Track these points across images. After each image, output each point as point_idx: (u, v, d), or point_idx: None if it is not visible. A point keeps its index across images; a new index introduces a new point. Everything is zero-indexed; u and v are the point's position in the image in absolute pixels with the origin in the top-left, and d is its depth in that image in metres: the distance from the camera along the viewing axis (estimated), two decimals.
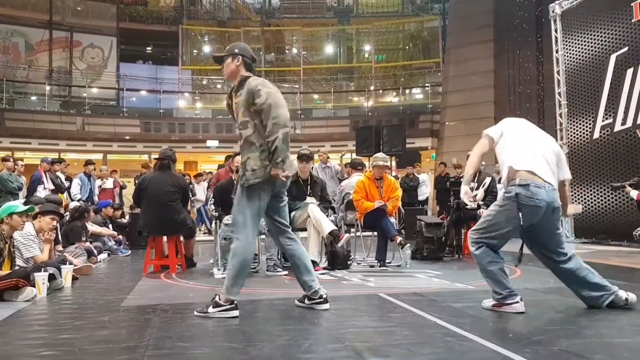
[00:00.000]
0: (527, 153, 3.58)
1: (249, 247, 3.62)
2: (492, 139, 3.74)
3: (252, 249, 3.70)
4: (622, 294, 3.55)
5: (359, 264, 6.50)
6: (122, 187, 11.80)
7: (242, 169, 3.61)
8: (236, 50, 3.76)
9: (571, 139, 9.67)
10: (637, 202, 7.23)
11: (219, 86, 24.25)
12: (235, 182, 3.77)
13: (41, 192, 9.25)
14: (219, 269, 5.72)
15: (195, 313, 3.53)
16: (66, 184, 10.49)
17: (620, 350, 2.65)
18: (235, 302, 3.52)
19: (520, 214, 3.44)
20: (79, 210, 7.37)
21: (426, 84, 24.12)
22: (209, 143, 20.33)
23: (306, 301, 3.74)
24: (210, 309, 3.48)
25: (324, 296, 3.71)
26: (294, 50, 27.84)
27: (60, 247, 6.18)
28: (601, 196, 8.95)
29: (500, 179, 12.22)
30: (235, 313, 3.48)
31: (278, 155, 3.42)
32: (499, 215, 3.55)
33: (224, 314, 3.45)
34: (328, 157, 9.79)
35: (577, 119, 9.56)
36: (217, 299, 3.50)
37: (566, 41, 9.88)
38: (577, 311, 3.56)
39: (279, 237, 3.85)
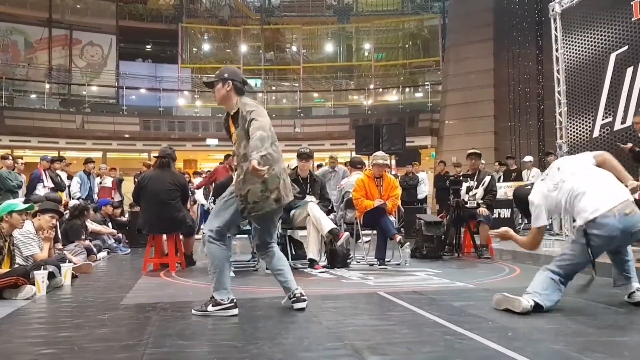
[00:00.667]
0: (583, 198, 3.51)
1: (226, 249, 3.62)
2: (544, 227, 3.82)
3: (228, 251, 3.68)
4: (634, 286, 3.63)
5: (359, 262, 6.50)
6: (120, 180, 11.78)
7: (243, 200, 3.52)
8: (226, 75, 3.73)
9: (571, 138, 9.65)
10: (636, 202, 7.22)
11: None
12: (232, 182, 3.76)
13: (40, 191, 9.25)
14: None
15: (194, 311, 3.52)
16: (67, 182, 10.49)
17: (620, 349, 2.65)
18: (235, 300, 3.52)
19: (589, 249, 3.41)
20: (78, 209, 7.37)
21: (426, 83, 24.12)
22: (209, 141, 20.34)
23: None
24: (210, 308, 3.47)
25: (299, 295, 3.70)
26: (294, 49, 27.83)
27: (59, 246, 6.18)
28: None
29: (499, 177, 12.17)
30: (235, 312, 3.47)
31: (252, 149, 3.28)
32: (572, 246, 3.54)
33: (224, 312, 3.45)
34: (336, 163, 9.84)
35: (576, 117, 9.54)
36: (216, 297, 3.50)
37: (566, 40, 9.86)
38: (576, 310, 3.57)
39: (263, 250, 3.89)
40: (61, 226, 6.63)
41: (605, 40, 8.92)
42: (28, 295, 4.23)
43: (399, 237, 6.12)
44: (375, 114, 21.81)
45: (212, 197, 6.46)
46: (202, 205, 11.86)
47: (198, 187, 11.69)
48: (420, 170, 13.85)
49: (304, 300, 3.65)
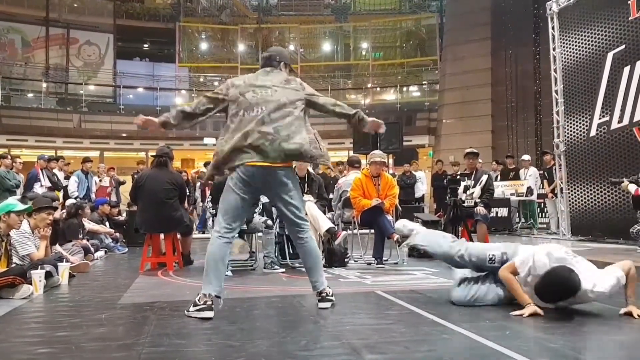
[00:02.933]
0: None
1: (213, 241, 3.52)
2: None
3: (218, 242, 3.51)
4: None
5: (356, 261, 6.51)
6: (121, 183, 11.74)
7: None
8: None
9: (568, 137, 9.68)
10: (634, 198, 7.22)
11: (216, 83, 24.23)
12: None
13: (38, 190, 9.24)
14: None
15: (185, 312, 3.48)
16: (64, 182, 10.47)
17: (617, 347, 2.66)
18: (209, 302, 3.35)
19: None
20: (74, 207, 7.37)
21: (423, 82, 24.16)
22: (206, 140, 20.33)
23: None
24: (190, 308, 3.40)
25: (324, 294, 3.63)
26: (291, 48, 27.83)
27: (58, 248, 6.15)
28: (597, 194, 8.96)
29: (497, 176, 12.11)
30: (208, 314, 3.31)
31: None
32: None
33: (197, 314, 3.33)
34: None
35: (573, 116, 9.57)
36: (196, 297, 3.43)
37: (563, 39, 9.88)
38: (573, 308, 3.57)
39: (291, 231, 3.79)
40: (58, 225, 6.61)
41: (602, 39, 8.94)
42: (25, 294, 4.22)
43: (396, 236, 6.11)
44: (372, 113, 21.67)
45: (210, 197, 6.44)
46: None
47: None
48: (418, 169, 13.88)
49: (329, 301, 3.64)
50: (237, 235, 3.87)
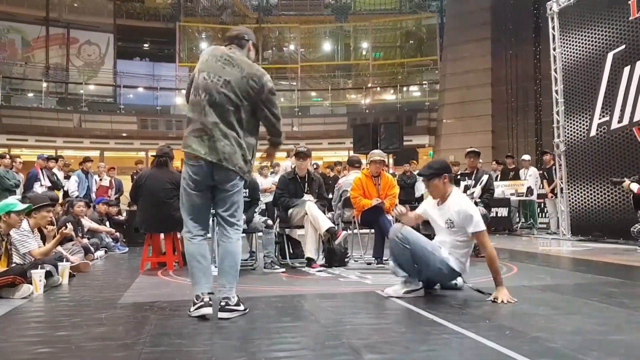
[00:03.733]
0: None
1: (187, 243, 3.50)
2: None
3: (193, 242, 3.48)
4: None
5: (356, 261, 6.51)
6: (120, 193, 11.55)
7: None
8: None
9: (568, 137, 9.68)
10: (635, 197, 7.22)
11: None
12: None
13: (38, 189, 9.24)
14: (215, 266, 5.70)
15: (188, 313, 3.48)
16: (64, 182, 10.45)
17: (616, 347, 2.66)
18: (205, 299, 3.34)
19: None
20: (68, 204, 7.43)
21: (423, 82, 24.17)
22: None
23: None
24: (191, 309, 3.39)
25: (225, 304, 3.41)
26: (292, 47, 27.83)
27: (58, 247, 6.15)
28: (598, 194, 8.97)
29: (497, 176, 12.12)
30: (206, 311, 3.30)
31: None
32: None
33: (196, 312, 3.33)
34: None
35: (574, 116, 9.57)
36: (193, 298, 3.42)
37: (563, 39, 9.88)
38: (573, 308, 3.58)
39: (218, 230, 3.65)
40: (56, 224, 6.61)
41: (602, 39, 8.94)
42: (25, 294, 4.22)
43: None
44: (372, 113, 21.85)
45: None
46: None
47: None
48: (416, 168, 13.86)
49: (209, 306, 3.35)
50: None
